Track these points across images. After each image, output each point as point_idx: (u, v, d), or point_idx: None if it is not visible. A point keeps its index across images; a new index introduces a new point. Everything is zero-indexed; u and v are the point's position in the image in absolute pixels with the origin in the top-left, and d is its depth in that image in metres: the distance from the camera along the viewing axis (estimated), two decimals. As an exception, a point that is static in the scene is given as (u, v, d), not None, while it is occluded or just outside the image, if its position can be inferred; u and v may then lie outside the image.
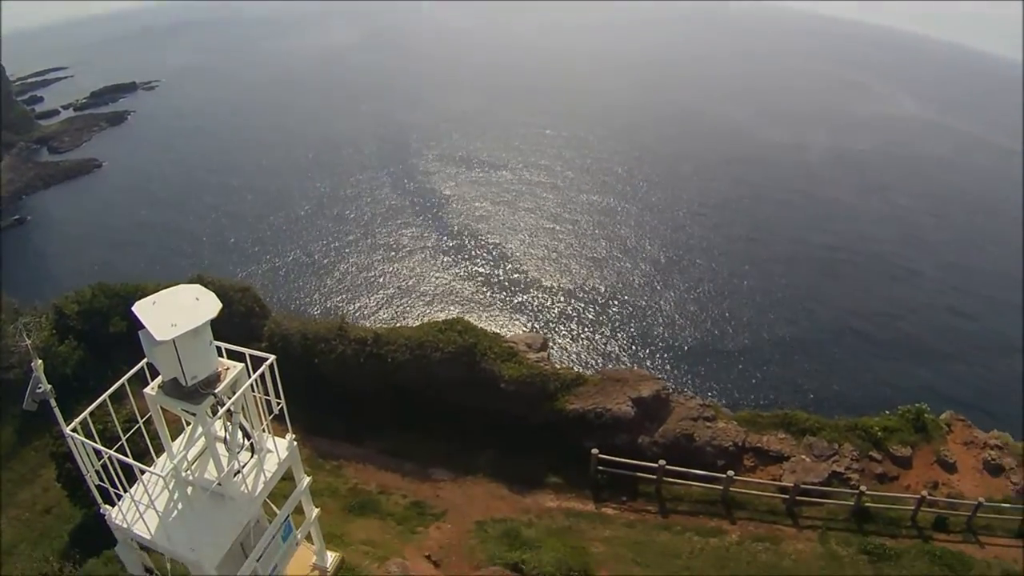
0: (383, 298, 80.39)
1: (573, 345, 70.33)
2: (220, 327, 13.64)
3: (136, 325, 13.16)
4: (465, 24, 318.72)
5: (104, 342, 42.26)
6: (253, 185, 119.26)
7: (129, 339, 36.95)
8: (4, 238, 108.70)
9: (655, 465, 29.49)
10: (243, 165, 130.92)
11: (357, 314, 73.63)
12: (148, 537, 14.38)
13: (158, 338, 12.49)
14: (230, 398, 13.75)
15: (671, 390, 34.84)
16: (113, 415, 14.45)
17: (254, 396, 14.74)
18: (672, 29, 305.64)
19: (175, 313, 12.83)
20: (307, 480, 17.63)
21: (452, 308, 75.86)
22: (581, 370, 45.88)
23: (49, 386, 13.02)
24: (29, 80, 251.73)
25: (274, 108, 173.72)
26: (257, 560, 16.68)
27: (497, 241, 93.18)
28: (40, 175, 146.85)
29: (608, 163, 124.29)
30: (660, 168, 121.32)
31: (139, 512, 14.29)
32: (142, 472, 13.97)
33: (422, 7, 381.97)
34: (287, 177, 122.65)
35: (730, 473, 29.46)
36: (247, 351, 14.38)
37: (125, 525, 14.60)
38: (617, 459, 29.76)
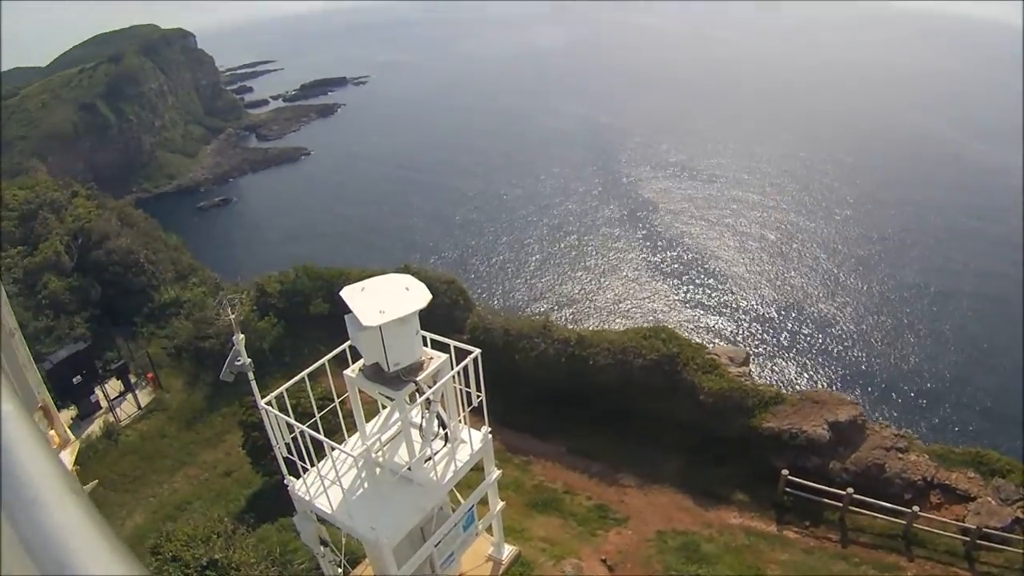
0: (582, 299, 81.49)
1: (772, 362, 69.51)
2: (423, 315, 13.82)
3: (342, 309, 13.45)
4: (678, 31, 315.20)
5: (303, 322, 44.20)
6: (453, 183, 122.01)
7: (329, 321, 38.36)
8: (209, 216, 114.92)
9: (843, 493, 28.35)
10: (444, 163, 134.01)
11: (556, 314, 74.42)
12: (329, 512, 14.76)
13: (365, 324, 12.73)
14: (430, 387, 13.92)
15: (867, 416, 33.60)
16: (309, 392, 14.84)
17: (454, 387, 14.88)
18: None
19: (384, 300, 13.04)
20: (496, 473, 17.72)
21: (654, 316, 76.27)
22: (780, 388, 45.06)
23: (249, 360, 13.48)
24: (238, 71, 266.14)
25: (477, 107, 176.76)
26: (435, 546, 16.86)
27: (700, 254, 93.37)
28: (247, 160, 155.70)
29: (816, 185, 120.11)
30: (869, 193, 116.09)
31: (323, 487, 14.63)
32: (332, 449, 14.30)
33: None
34: (488, 176, 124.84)
35: (915, 508, 28.00)
36: (452, 343, 14.54)
37: (308, 498, 15.04)
38: (806, 482, 28.77)
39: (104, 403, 45.87)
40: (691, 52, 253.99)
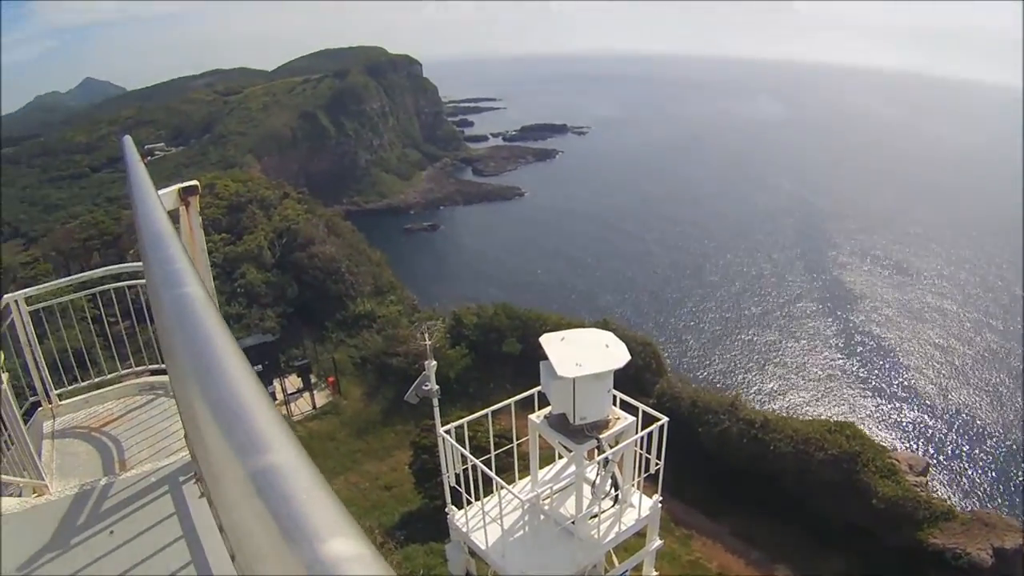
0: (768, 380, 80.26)
1: (946, 475, 66.62)
2: (615, 372, 13.98)
3: (533, 352, 13.76)
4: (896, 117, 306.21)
5: (493, 357, 45.22)
6: (650, 250, 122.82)
7: (518, 361, 39.28)
8: (414, 239, 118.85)
9: (991, 622, 27.04)
10: (647, 228, 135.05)
11: (745, 392, 73.89)
12: (484, 547, 14.84)
13: (560, 374, 12.93)
14: (611, 446, 14.04)
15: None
16: (490, 428, 15.16)
17: (635, 451, 14.95)
18: None
19: (582, 354, 13.21)
20: (658, 543, 17.59)
21: (837, 407, 75.25)
22: (952, 501, 43.24)
23: (437, 387, 13.95)
24: (461, 104, 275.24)
25: (688, 174, 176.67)
26: (581, 602, 16.83)
27: (894, 352, 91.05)
28: (460, 191, 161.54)
29: (1007, 298, 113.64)
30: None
31: (483, 522, 14.83)
32: (500, 488, 14.54)
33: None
34: (688, 247, 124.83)
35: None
36: (641, 406, 14.62)
37: (465, 529, 15.21)
38: (958, 608, 27.59)
39: (280, 396, 48.12)
40: (910, 141, 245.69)
